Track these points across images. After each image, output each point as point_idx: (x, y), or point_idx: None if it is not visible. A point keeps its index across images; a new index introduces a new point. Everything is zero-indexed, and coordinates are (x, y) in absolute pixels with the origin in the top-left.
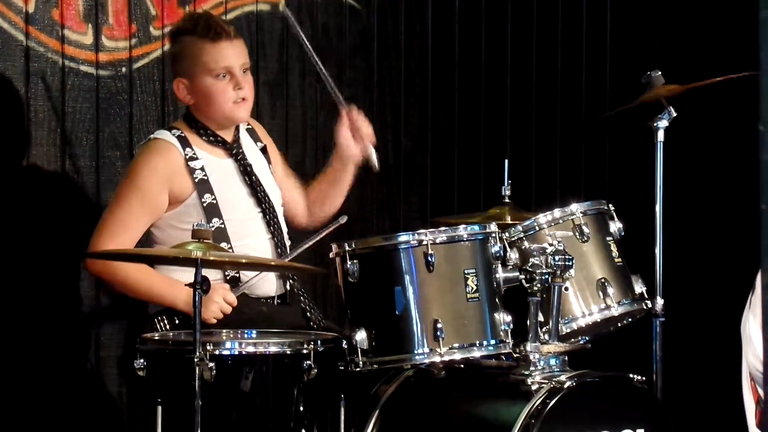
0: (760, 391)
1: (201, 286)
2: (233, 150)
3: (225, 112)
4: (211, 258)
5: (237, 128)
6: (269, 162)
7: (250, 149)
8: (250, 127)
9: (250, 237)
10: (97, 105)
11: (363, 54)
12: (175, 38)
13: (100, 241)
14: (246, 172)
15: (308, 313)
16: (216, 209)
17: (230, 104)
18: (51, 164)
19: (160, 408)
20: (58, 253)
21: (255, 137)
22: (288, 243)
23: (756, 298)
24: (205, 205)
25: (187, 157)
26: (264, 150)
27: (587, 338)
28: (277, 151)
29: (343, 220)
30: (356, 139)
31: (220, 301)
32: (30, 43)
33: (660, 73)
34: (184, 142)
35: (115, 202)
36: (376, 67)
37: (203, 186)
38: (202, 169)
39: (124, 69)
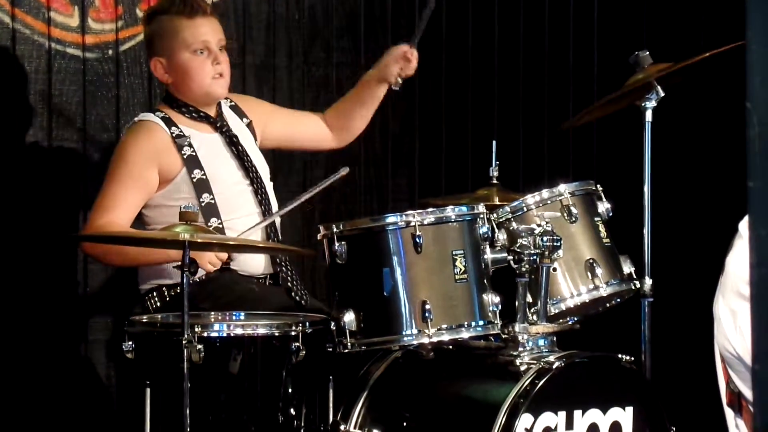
0: (730, 372)
1: (189, 268)
2: (218, 123)
3: (204, 87)
4: (199, 240)
5: (219, 104)
6: (255, 138)
7: (235, 124)
8: (233, 104)
9: (239, 211)
10: (84, 87)
11: (350, 35)
12: (151, 19)
13: (95, 218)
14: (232, 142)
15: (293, 293)
16: (206, 185)
17: (209, 80)
18: (38, 147)
19: (148, 390)
20: (46, 236)
21: (239, 113)
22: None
23: (725, 279)
24: (194, 180)
25: (174, 135)
26: (250, 125)
27: (576, 319)
28: (268, 105)
29: (345, 171)
30: (401, 68)
31: (210, 254)
32: (16, 25)
33: (648, 53)
34: (169, 122)
35: (105, 182)
36: (363, 48)
37: (192, 162)
38: (190, 145)
39: (110, 51)
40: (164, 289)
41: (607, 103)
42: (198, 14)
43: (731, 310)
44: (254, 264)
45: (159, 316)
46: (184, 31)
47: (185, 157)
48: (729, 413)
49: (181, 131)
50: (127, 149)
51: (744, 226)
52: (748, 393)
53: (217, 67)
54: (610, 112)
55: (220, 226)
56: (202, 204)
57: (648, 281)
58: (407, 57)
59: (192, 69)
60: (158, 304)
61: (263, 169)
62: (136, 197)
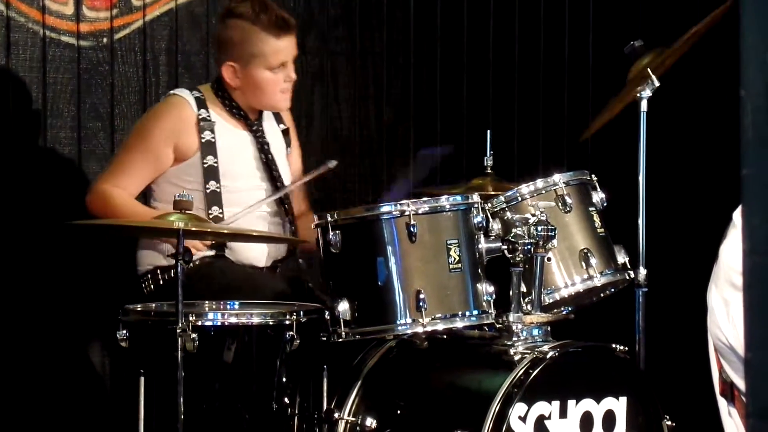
0: (723, 361)
1: (183, 257)
2: (253, 126)
3: (273, 101)
4: (193, 229)
5: (261, 111)
6: (288, 145)
7: (271, 129)
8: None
9: (244, 206)
10: (78, 76)
11: (345, 25)
12: (229, 21)
13: (102, 180)
14: (263, 149)
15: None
16: (215, 172)
17: (278, 94)
18: (32, 135)
19: (142, 379)
20: (40, 224)
21: (279, 119)
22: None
23: (718, 269)
24: (205, 166)
25: (200, 117)
26: (286, 132)
27: (570, 308)
28: (296, 138)
29: (332, 164)
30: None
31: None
32: (11, 13)
33: (643, 43)
34: (201, 104)
35: (121, 147)
36: (358, 37)
37: (208, 147)
38: (212, 131)
39: (105, 39)
40: (158, 271)
41: (613, 101)
42: (285, 33)
43: (724, 300)
44: (252, 256)
45: (153, 305)
46: (266, 48)
47: (203, 141)
48: (722, 402)
49: (209, 115)
50: (148, 121)
51: (738, 215)
52: (739, 382)
53: (287, 84)
54: (618, 111)
55: (221, 215)
56: (207, 191)
57: (642, 271)
58: None
59: (266, 84)
60: (152, 287)
61: (286, 179)
62: (147, 170)
